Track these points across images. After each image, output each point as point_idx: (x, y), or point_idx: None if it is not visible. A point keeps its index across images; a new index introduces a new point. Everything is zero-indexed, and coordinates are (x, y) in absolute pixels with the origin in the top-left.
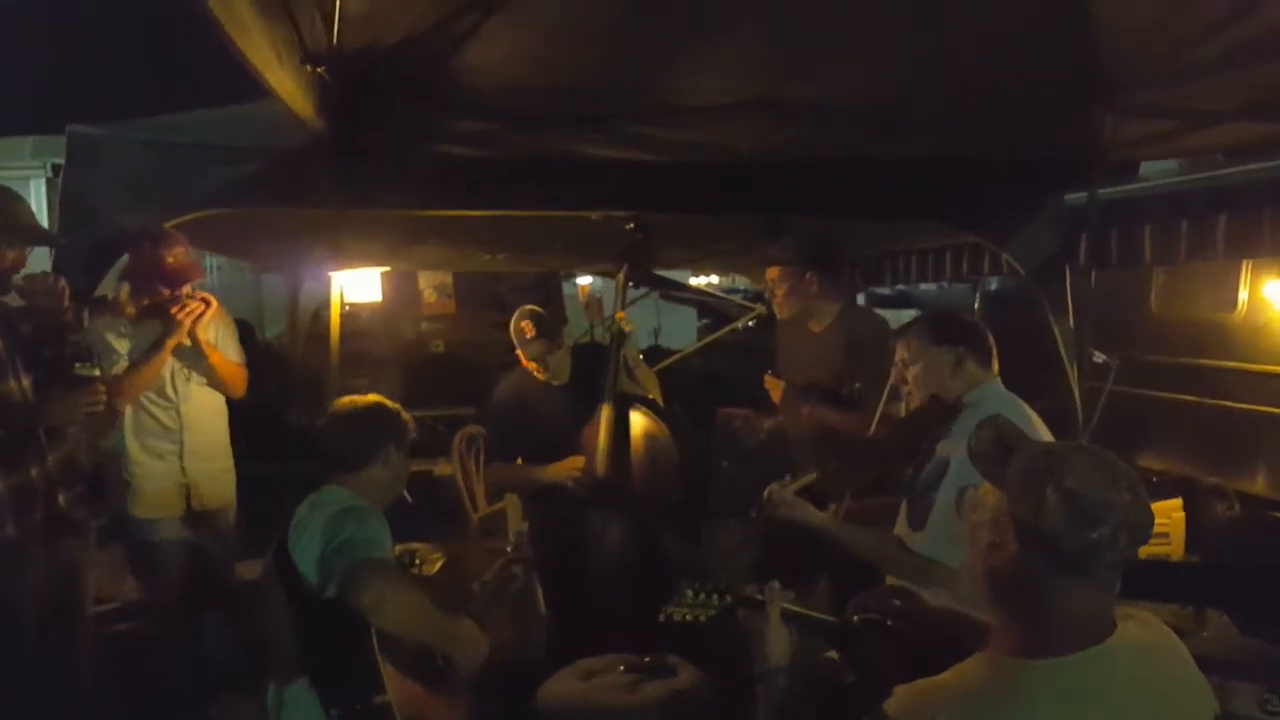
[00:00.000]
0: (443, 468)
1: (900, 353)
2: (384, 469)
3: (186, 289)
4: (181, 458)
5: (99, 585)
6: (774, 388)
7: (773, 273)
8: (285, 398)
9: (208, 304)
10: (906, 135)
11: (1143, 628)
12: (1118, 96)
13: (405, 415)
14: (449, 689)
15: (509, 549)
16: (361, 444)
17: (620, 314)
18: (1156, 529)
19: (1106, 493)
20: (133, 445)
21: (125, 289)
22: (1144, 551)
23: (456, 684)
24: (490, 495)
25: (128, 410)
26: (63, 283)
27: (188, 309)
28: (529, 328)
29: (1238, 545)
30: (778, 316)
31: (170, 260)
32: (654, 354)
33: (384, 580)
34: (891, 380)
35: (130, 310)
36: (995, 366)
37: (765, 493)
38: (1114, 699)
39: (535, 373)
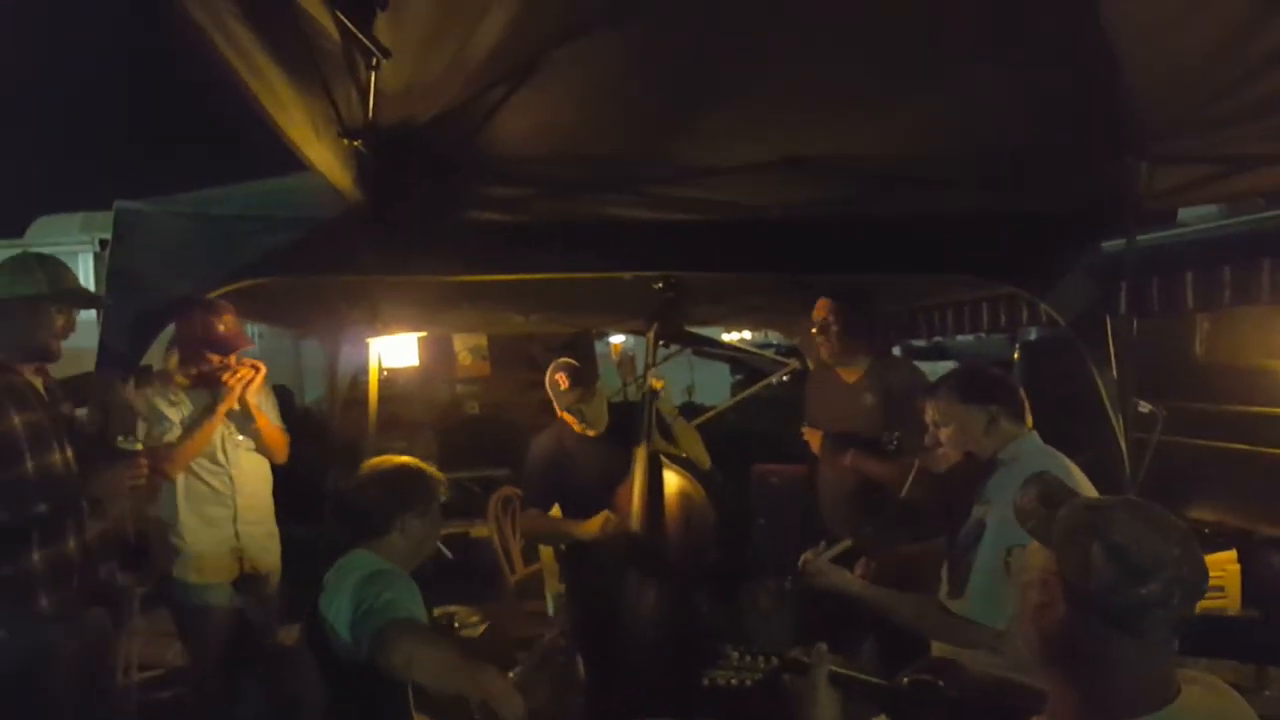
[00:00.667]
0: (479, 529)
1: (931, 413)
2: (401, 537)
3: (234, 357)
4: (235, 522)
5: (142, 652)
6: (813, 438)
7: (822, 307)
8: (324, 462)
9: (257, 370)
10: (938, 189)
11: (1208, 692)
12: (1153, 144)
13: (433, 475)
14: None
15: (549, 612)
16: (380, 508)
17: (651, 375)
18: (1211, 583)
19: (1155, 547)
20: (186, 512)
21: (175, 358)
22: (1199, 606)
23: None
24: (526, 553)
25: (179, 479)
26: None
27: (238, 375)
28: (563, 379)
29: None
30: (822, 357)
31: (220, 328)
32: (688, 411)
33: (411, 639)
34: (925, 440)
35: (181, 379)
36: (1029, 420)
37: (800, 562)
38: None
39: (572, 425)
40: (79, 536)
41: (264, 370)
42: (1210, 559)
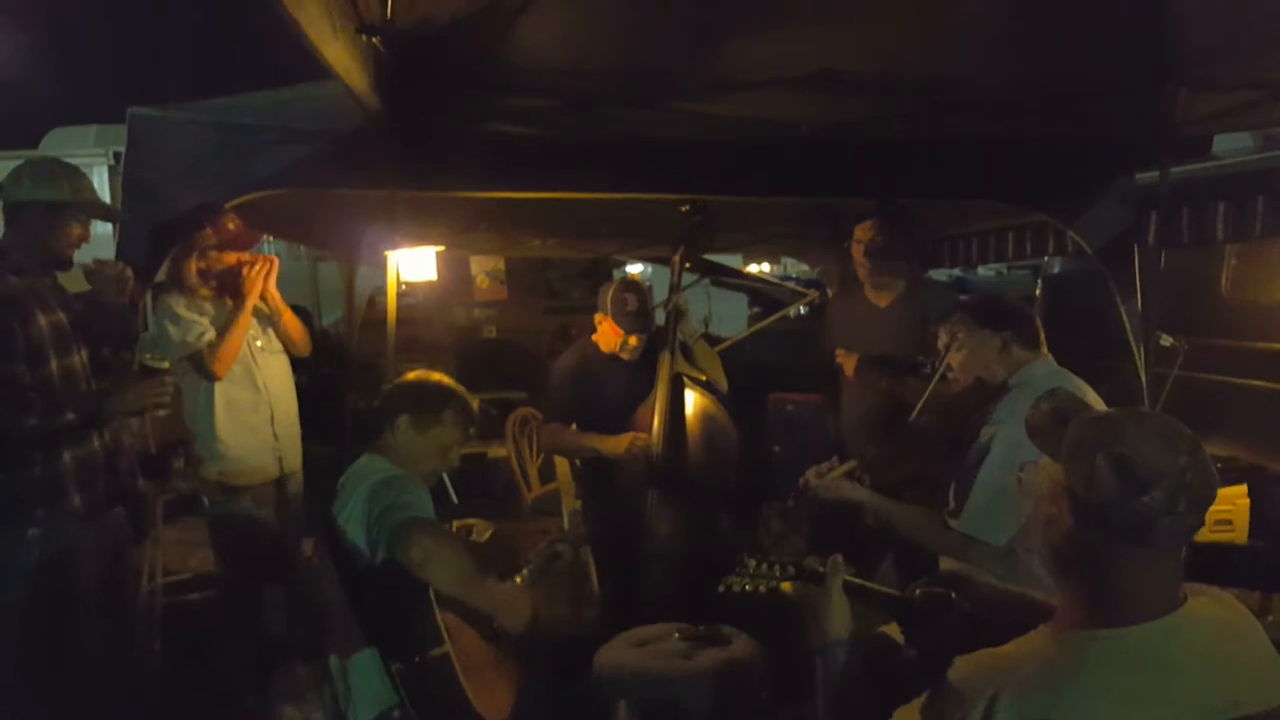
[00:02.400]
0: (496, 450)
1: (944, 339)
2: (397, 439)
3: (250, 254)
4: (272, 424)
5: (166, 559)
6: (847, 361)
7: (868, 228)
8: (342, 383)
9: (271, 262)
10: (972, 112)
11: (1215, 604)
12: (1193, 70)
13: (450, 390)
14: (504, 646)
15: (563, 526)
16: (383, 409)
17: (679, 296)
18: (1220, 515)
19: (1161, 457)
20: (225, 421)
21: (193, 266)
22: (1207, 538)
23: (510, 644)
24: (543, 472)
25: (217, 390)
26: (129, 271)
27: (257, 268)
28: (632, 300)
29: None
30: (861, 278)
31: (231, 226)
32: (706, 341)
33: (429, 536)
34: (942, 368)
35: (204, 290)
36: (1044, 346)
37: (801, 479)
38: (1182, 671)
39: (605, 342)
40: (103, 438)
41: (278, 262)
42: (1221, 493)
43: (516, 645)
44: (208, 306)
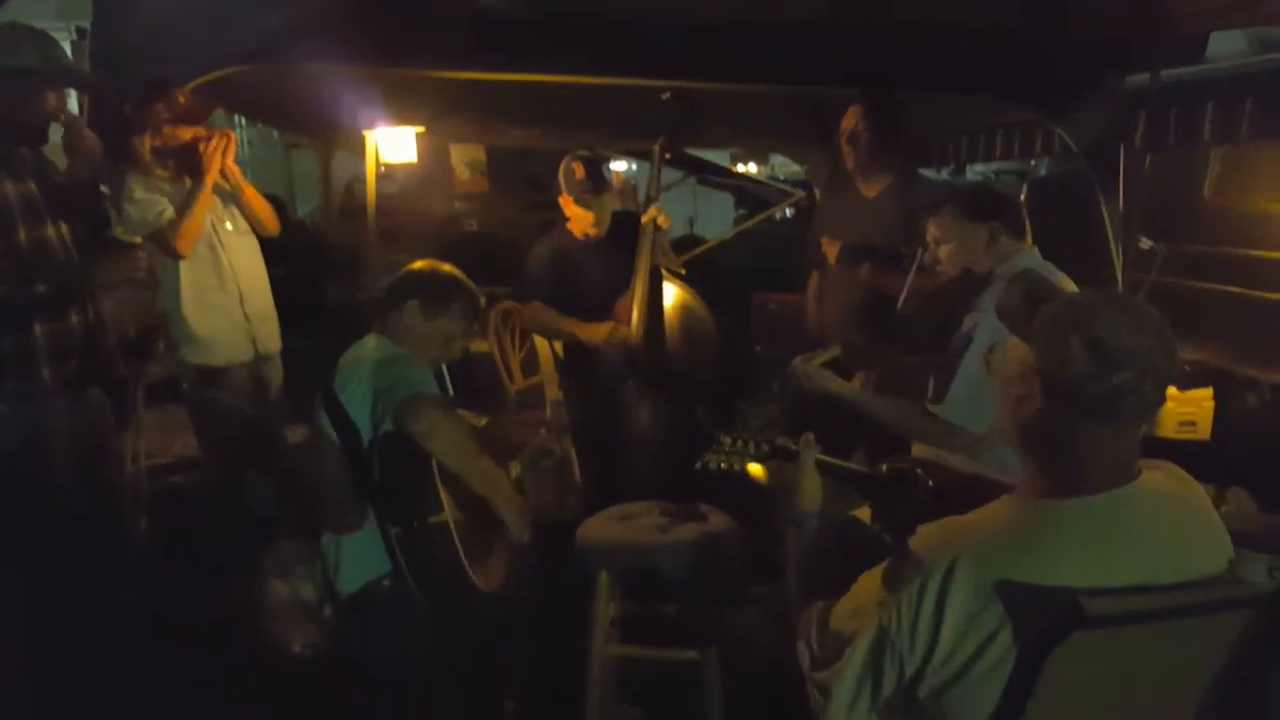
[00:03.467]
0: (478, 345)
1: (932, 231)
2: (404, 322)
3: (201, 130)
4: (242, 304)
5: (149, 443)
6: (830, 249)
7: (853, 115)
8: (319, 275)
9: (228, 137)
10: (966, 2)
11: (1168, 476)
12: None
13: (459, 281)
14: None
15: (547, 418)
16: (390, 292)
17: (654, 211)
18: (1185, 416)
19: (1131, 338)
20: (190, 302)
21: (147, 144)
22: (1171, 436)
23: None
24: (526, 366)
25: (181, 269)
26: (94, 136)
27: (214, 144)
28: (579, 168)
29: (1265, 429)
30: (847, 168)
31: (182, 100)
32: (689, 242)
33: (436, 410)
34: (922, 257)
35: (160, 171)
36: (1029, 238)
37: (790, 367)
38: (1134, 539)
39: (576, 224)
40: (81, 313)
41: (234, 136)
42: (1188, 395)
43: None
44: (165, 187)
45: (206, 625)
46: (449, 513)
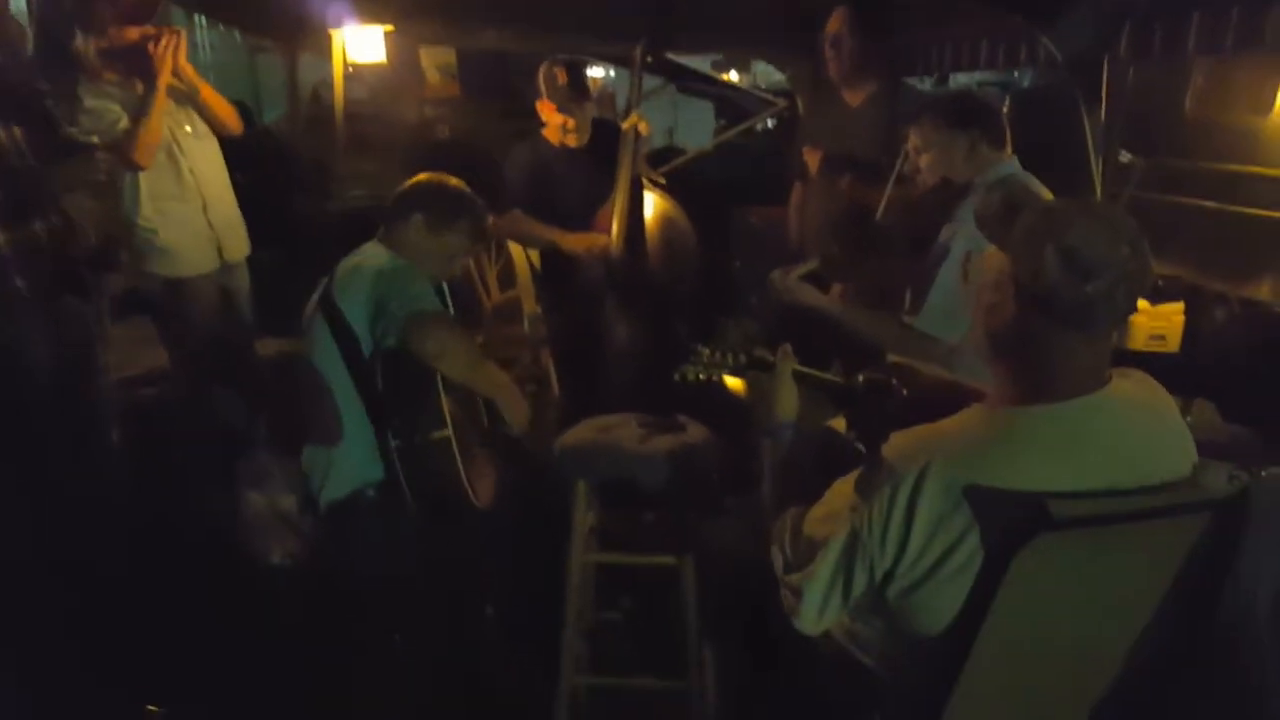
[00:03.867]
0: None
1: (912, 139)
2: (408, 233)
3: (150, 28)
4: (205, 212)
5: (117, 358)
6: (811, 158)
7: (837, 19)
8: (287, 183)
9: (178, 33)
10: None
11: (1135, 384)
12: None
13: (467, 198)
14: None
15: (524, 331)
16: (397, 202)
17: (635, 118)
18: (1155, 331)
19: (1105, 247)
20: (150, 210)
21: (92, 47)
22: (1141, 349)
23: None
24: (502, 279)
25: (140, 180)
26: (17, 22)
27: (164, 42)
28: (561, 73)
29: (1233, 343)
30: (830, 74)
31: None
32: (669, 152)
33: (445, 329)
34: (901, 167)
35: (109, 75)
36: (1009, 148)
37: (768, 279)
38: (1102, 444)
39: (556, 129)
40: (45, 220)
41: (184, 33)
42: (1158, 309)
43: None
44: (117, 92)
45: (185, 535)
46: (451, 428)
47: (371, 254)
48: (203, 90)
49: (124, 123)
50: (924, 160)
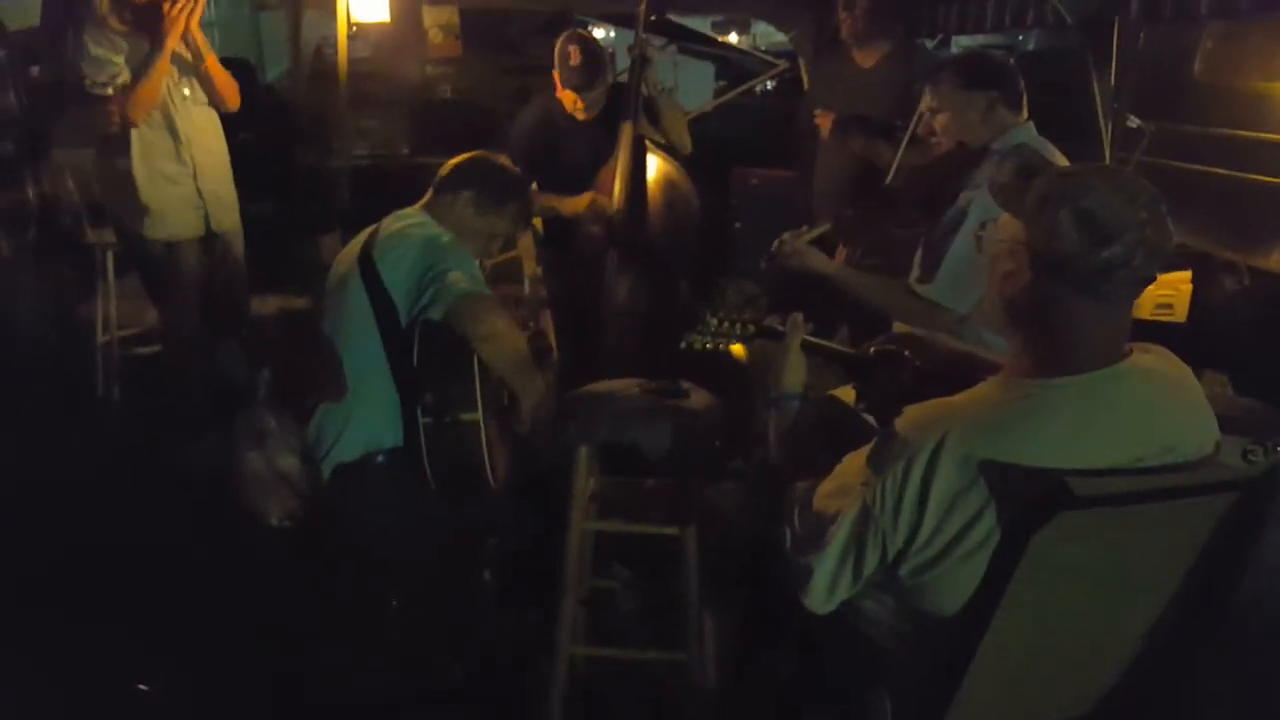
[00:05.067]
0: None
1: (928, 100)
2: (454, 209)
3: None
4: (195, 179)
5: (121, 313)
6: (824, 121)
7: None
8: (290, 140)
9: (196, 1)
10: None
11: (1156, 358)
12: None
13: (518, 181)
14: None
15: (525, 293)
16: (450, 178)
17: (644, 44)
18: (1162, 300)
19: (1122, 211)
20: (141, 170)
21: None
22: (1147, 318)
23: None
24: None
25: (133, 135)
26: None
27: (180, 5)
28: (575, 53)
29: (1243, 313)
30: (844, 35)
31: None
32: (671, 98)
33: (498, 315)
34: (915, 128)
35: (116, 24)
36: (1025, 111)
37: (776, 242)
38: (1123, 417)
39: (566, 104)
40: (37, 186)
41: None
42: (1166, 278)
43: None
44: (122, 43)
45: (182, 489)
46: (481, 411)
47: (417, 221)
48: (208, 60)
49: (124, 76)
50: (939, 122)
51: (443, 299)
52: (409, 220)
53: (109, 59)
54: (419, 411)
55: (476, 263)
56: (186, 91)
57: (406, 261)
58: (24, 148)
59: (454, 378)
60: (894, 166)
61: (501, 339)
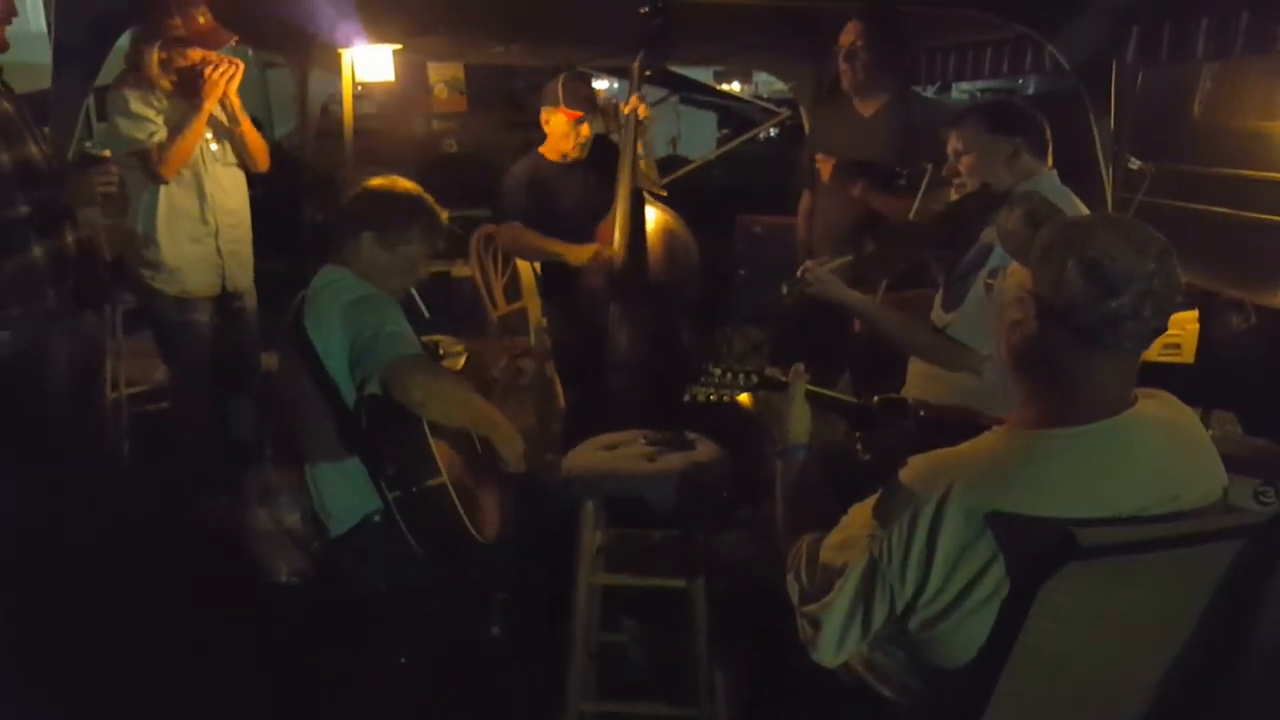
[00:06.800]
0: (460, 269)
1: (954, 143)
2: (359, 254)
3: (216, 54)
4: (217, 239)
5: (127, 370)
6: (824, 166)
7: (851, 31)
8: (297, 196)
9: (237, 66)
10: None
11: (1161, 404)
12: None
13: (415, 198)
14: (485, 465)
15: (530, 343)
16: (344, 222)
17: (635, 99)
18: (1169, 340)
19: (1129, 261)
20: (166, 228)
21: (155, 56)
22: (1154, 359)
23: (491, 461)
24: (509, 291)
25: (161, 192)
26: None
27: (221, 70)
28: (582, 86)
29: (1250, 352)
30: (844, 85)
31: (202, 21)
32: (673, 163)
33: (427, 375)
34: (943, 171)
35: (164, 83)
36: (1050, 159)
37: (799, 270)
38: (1129, 466)
39: (550, 153)
40: (75, 233)
41: (243, 66)
42: (1173, 318)
43: (495, 464)
44: (163, 102)
45: (192, 546)
46: (444, 474)
47: (331, 279)
48: (243, 123)
49: (160, 134)
50: (964, 163)
51: (372, 372)
52: (325, 281)
53: (149, 116)
54: (384, 487)
55: (401, 314)
56: (215, 148)
57: (335, 333)
58: (59, 195)
59: (408, 447)
60: (915, 204)
61: (441, 398)
